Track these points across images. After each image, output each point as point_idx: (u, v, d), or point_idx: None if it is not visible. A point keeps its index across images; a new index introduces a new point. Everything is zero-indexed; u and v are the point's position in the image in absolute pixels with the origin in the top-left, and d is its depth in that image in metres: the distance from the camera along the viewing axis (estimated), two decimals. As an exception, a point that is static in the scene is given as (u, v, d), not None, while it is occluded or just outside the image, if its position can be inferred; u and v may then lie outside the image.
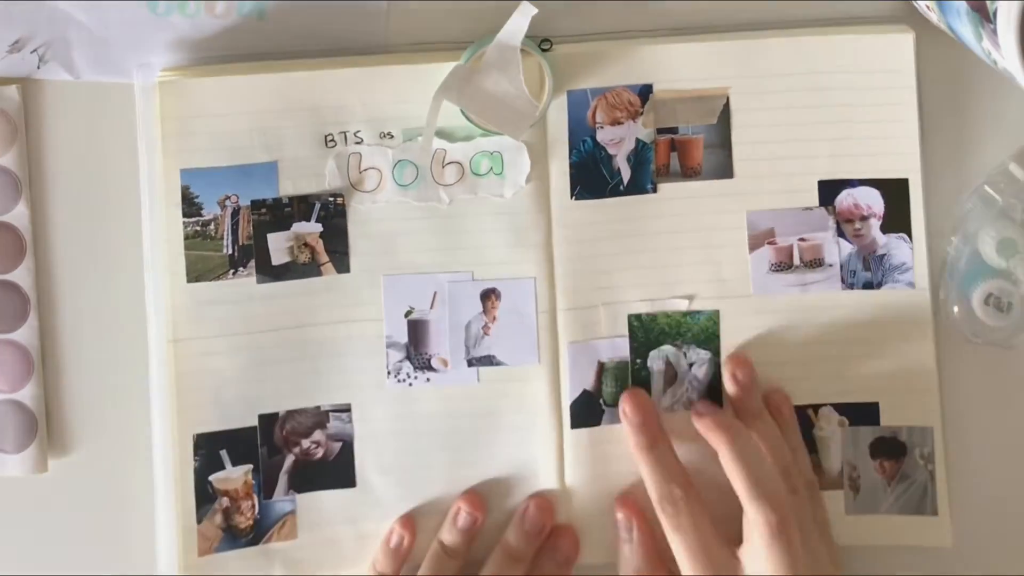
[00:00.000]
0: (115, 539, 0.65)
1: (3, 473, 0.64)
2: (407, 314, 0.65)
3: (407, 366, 0.65)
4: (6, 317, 0.64)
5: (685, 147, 0.66)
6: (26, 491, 0.65)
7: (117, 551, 0.65)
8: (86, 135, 0.65)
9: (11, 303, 0.64)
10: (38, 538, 0.63)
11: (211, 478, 0.64)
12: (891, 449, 0.65)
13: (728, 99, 0.66)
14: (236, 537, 0.64)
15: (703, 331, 0.66)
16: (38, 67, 0.65)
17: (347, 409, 0.65)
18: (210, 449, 0.64)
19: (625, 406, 0.64)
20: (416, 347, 0.65)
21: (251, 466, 0.64)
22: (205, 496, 0.64)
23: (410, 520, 0.65)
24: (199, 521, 0.64)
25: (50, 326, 0.65)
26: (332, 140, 0.65)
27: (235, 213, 0.64)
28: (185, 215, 0.64)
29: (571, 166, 0.66)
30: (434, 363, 0.65)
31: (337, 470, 0.65)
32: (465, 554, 0.64)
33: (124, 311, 0.65)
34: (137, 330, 0.65)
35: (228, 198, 0.64)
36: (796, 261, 0.66)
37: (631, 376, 0.65)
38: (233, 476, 0.64)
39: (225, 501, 0.64)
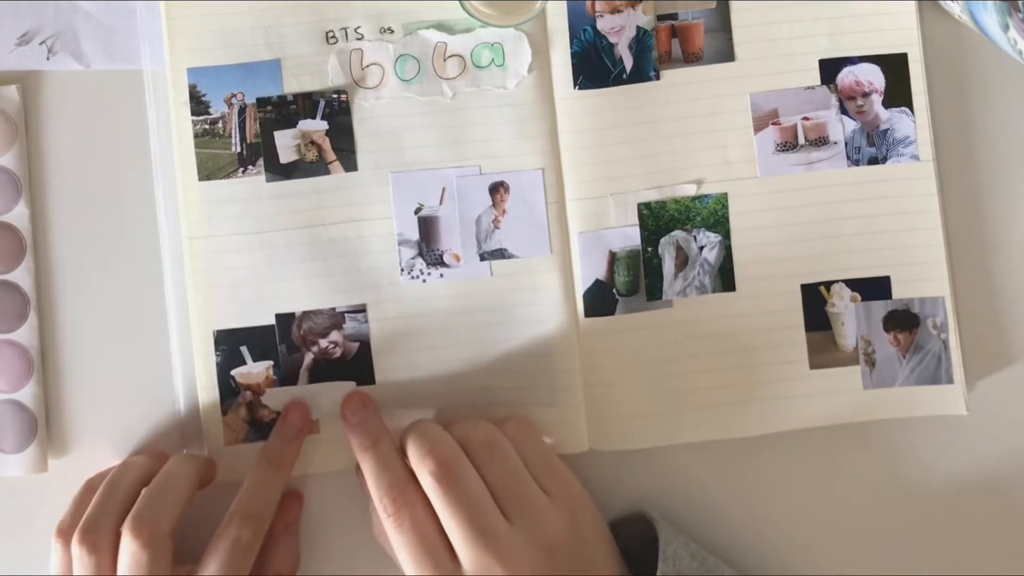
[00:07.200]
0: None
1: (3, 473, 0.64)
2: (417, 211, 0.66)
3: (420, 263, 0.66)
4: (6, 317, 0.64)
5: (686, 33, 0.66)
6: (26, 491, 0.65)
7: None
8: (88, 132, 0.66)
9: (11, 303, 0.64)
10: (38, 538, 0.63)
11: (233, 372, 0.65)
12: (904, 321, 0.66)
13: (726, -18, 0.66)
14: (262, 429, 0.65)
15: (712, 215, 0.66)
16: (47, 59, 0.65)
17: (362, 310, 0.65)
18: (231, 345, 0.65)
19: (344, 409, 0.64)
20: (428, 243, 0.66)
21: (271, 362, 0.65)
22: (228, 391, 0.65)
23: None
24: (224, 413, 0.65)
25: (50, 326, 0.65)
26: (333, 36, 0.66)
27: (242, 111, 0.65)
28: (193, 113, 0.65)
29: (573, 56, 0.66)
30: (446, 259, 0.66)
31: (356, 369, 0.65)
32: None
33: (132, 301, 0.66)
34: (154, 281, 0.66)
35: (234, 96, 0.65)
36: (801, 140, 0.66)
37: (643, 265, 0.66)
38: (255, 371, 0.65)
39: (248, 395, 0.65)
